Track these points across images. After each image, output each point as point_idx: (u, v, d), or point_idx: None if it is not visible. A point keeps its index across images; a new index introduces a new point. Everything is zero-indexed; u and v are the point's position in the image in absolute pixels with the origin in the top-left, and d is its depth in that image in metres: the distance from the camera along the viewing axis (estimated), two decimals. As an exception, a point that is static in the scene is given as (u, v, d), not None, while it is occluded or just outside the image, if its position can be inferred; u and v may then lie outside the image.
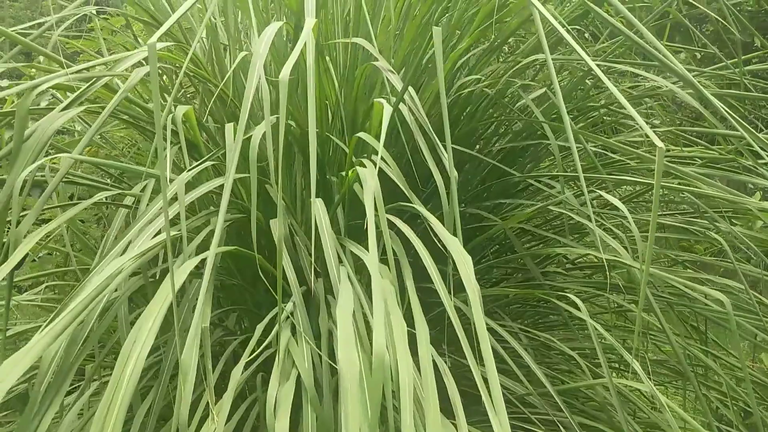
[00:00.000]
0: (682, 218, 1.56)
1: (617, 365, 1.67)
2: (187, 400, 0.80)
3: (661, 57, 1.03)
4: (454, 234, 1.02)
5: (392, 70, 1.22)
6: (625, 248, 1.27)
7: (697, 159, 1.50)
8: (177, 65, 1.22)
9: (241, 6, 1.25)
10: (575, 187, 1.49)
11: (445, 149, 1.11)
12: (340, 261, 1.09)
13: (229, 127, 1.15)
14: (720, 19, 1.46)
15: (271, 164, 0.92)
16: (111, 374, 1.16)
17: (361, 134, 1.15)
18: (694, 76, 1.29)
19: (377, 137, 1.21)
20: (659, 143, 0.65)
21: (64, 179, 1.35)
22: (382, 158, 1.14)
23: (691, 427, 1.15)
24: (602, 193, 1.08)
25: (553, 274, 1.57)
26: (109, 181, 1.47)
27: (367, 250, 1.11)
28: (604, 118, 1.67)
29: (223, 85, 1.36)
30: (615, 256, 1.22)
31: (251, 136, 1.07)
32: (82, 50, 1.68)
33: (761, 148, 0.88)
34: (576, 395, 1.57)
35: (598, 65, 1.51)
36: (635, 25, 1.12)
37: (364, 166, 1.09)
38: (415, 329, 0.90)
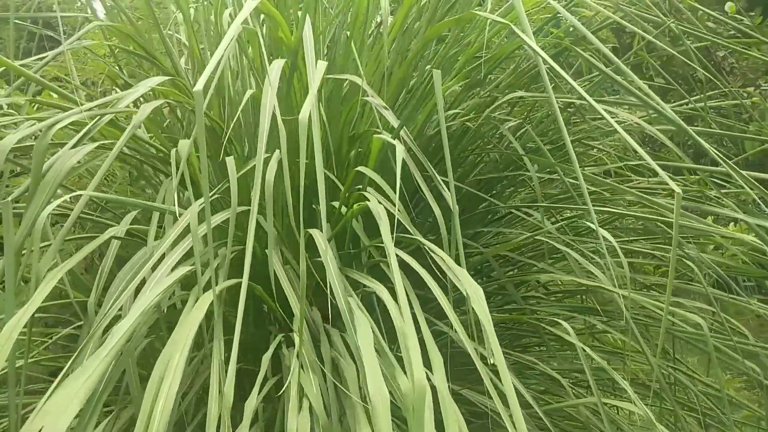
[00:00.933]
0: (651, 244, 1.66)
1: (588, 383, 1.75)
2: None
3: (644, 97, 1.12)
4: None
5: (386, 106, 1.26)
6: (603, 273, 1.35)
7: (664, 189, 1.61)
8: (173, 98, 1.23)
9: (252, 43, 1.27)
10: (552, 215, 1.57)
11: (442, 183, 1.16)
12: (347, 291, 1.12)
13: (229, 160, 1.17)
14: (676, 52, 1.57)
15: (290, 201, 0.95)
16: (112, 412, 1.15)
17: (362, 168, 1.19)
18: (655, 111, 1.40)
19: (373, 168, 1.25)
20: (677, 189, 0.72)
21: (58, 212, 1.34)
22: (381, 190, 1.19)
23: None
24: (593, 225, 1.15)
25: (529, 297, 1.64)
26: (93, 212, 1.46)
27: (369, 279, 1.15)
28: (575, 149, 1.76)
29: (216, 116, 1.37)
30: (595, 281, 1.30)
31: (252, 168, 1.09)
32: (56, 76, 1.66)
33: (750, 187, 0.97)
34: (552, 414, 1.63)
35: (572, 102, 1.61)
36: (615, 63, 1.21)
37: (365, 198, 1.13)
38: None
